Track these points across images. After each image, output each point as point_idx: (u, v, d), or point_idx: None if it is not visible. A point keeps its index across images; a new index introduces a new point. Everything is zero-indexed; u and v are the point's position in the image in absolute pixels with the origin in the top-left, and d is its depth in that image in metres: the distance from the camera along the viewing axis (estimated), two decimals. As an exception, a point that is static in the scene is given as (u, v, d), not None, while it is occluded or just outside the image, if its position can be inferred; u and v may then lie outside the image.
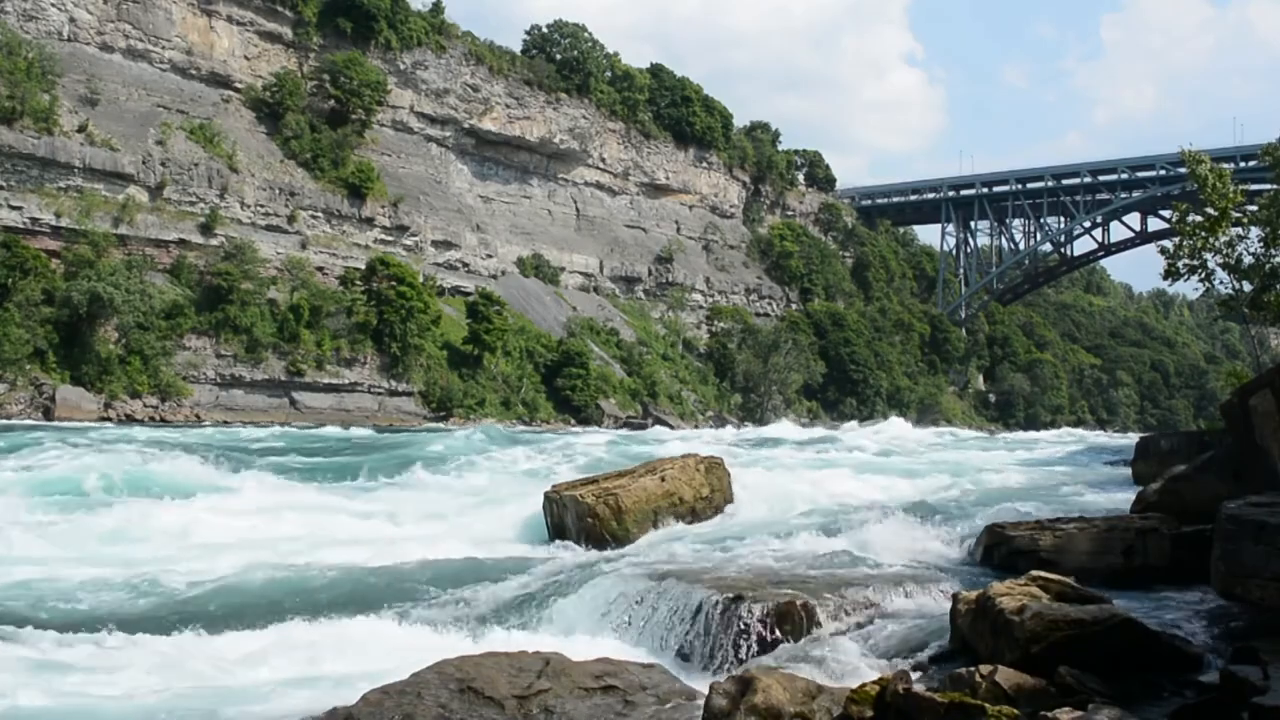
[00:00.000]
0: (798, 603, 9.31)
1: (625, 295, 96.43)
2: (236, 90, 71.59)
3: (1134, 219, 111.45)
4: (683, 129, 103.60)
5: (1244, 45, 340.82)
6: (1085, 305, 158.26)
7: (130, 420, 51.51)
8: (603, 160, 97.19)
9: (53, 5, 62.27)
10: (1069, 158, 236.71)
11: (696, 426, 76.24)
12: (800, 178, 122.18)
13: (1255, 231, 25.65)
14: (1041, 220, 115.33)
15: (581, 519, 14.96)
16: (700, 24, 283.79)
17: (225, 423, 53.70)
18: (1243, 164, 68.91)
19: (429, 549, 14.39)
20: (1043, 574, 8.28)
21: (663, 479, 15.94)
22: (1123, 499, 16.27)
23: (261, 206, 67.35)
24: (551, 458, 28.26)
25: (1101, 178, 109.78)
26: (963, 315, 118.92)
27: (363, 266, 69.82)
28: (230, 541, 15.21)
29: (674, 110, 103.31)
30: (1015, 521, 12.16)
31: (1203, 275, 25.21)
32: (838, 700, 6.55)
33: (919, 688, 6.39)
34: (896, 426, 61.09)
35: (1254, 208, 31.53)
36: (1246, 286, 25.23)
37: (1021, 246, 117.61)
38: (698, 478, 16.50)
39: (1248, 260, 24.97)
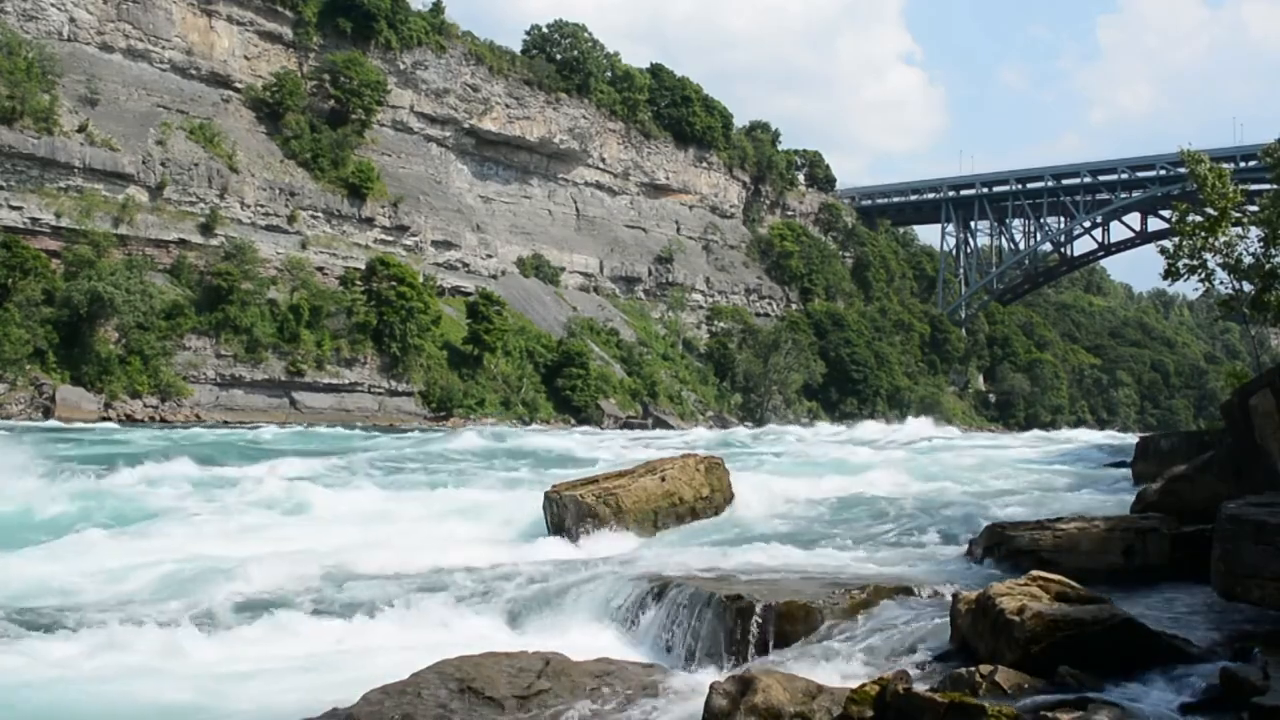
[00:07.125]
0: (797, 602, 9.30)
1: (625, 295, 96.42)
2: (236, 90, 71.58)
3: (1134, 219, 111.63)
4: (683, 129, 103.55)
5: (1239, 46, 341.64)
6: (1085, 305, 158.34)
7: (130, 420, 51.52)
8: (603, 160, 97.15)
9: (53, 5, 62.27)
10: (1066, 158, 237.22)
11: (696, 426, 76.13)
12: (800, 178, 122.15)
13: (1255, 231, 25.58)
14: (1041, 220, 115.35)
15: (581, 519, 14.94)
16: (696, 25, 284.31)
17: (225, 423, 53.67)
18: (1243, 164, 68.89)
19: (428, 549, 14.35)
20: (1043, 574, 8.26)
21: (663, 479, 15.91)
22: (1123, 499, 16.27)
23: (261, 206, 67.35)
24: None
25: (1101, 178, 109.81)
26: (963, 315, 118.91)
27: (363, 266, 69.85)
28: (228, 539, 15.18)
29: (674, 110, 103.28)
30: (1015, 521, 12.13)
31: (1203, 275, 25.13)
32: (838, 700, 6.55)
33: (919, 688, 6.39)
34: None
35: (1254, 208, 31.49)
36: (1246, 286, 25.17)
37: (1021, 246, 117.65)
38: (698, 478, 16.47)
39: (1248, 260, 24.91)
